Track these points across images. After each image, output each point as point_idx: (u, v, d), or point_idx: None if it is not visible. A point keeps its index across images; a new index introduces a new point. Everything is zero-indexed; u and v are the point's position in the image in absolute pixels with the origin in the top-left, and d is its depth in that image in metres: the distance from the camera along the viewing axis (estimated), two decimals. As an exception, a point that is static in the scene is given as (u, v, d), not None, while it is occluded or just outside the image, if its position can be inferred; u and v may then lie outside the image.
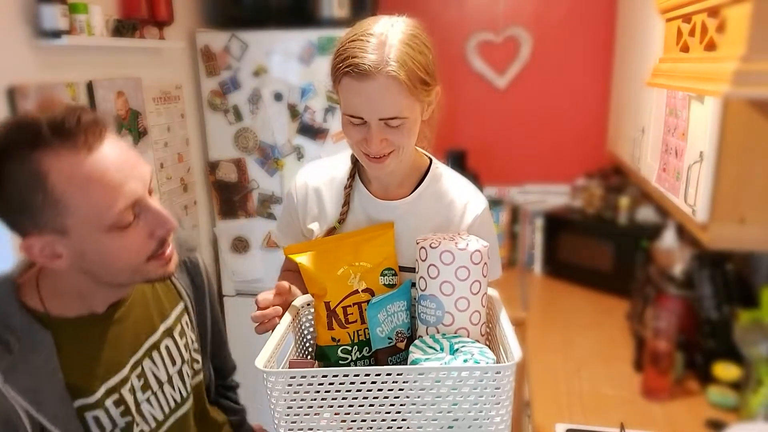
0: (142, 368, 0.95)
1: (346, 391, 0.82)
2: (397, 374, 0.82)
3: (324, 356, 1.01)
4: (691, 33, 1.14)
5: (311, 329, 1.10)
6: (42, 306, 0.84)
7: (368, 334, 0.98)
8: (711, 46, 1.04)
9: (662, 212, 2.05)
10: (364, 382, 0.82)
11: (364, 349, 1.00)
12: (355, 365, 1.00)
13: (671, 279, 1.71)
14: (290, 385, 0.83)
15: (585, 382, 1.69)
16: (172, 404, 1.00)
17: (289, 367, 0.95)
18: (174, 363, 1.01)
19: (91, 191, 0.75)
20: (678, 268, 1.72)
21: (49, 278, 0.85)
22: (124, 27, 2.07)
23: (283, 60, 2.43)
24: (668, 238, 1.84)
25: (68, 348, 0.84)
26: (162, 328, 1.00)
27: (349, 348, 1.00)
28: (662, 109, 1.64)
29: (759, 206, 1.26)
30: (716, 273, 1.60)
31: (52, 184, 0.73)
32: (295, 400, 0.83)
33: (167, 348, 1.00)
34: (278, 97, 2.48)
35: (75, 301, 0.87)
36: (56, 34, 1.75)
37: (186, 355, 1.04)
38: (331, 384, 0.82)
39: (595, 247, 2.34)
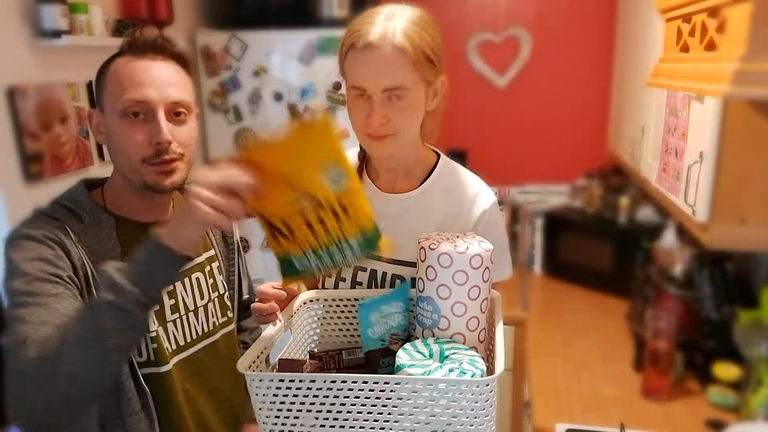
0: (174, 288, 1.07)
1: (324, 396, 0.82)
2: (374, 382, 0.80)
3: (284, 261, 0.92)
4: (691, 33, 1.14)
5: (314, 326, 1.11)
6: (104, 203, 1.04)
7: (323, 245, 0.91)
8: (711, 46, 1.03)
9: (662, 212, 2.05)
10: (341, 389, 0.81)
11: (323, 257, 0.91)
12: (319, 269, 0.92)
13: (671, 279, 1.71)
14: (269, 388, 0.83)
15: (585, 383, 1.69)
16: (194, 335, 1.10)
17: (278, 366, 0.95)
18: (202, 297, 1.12)
19: (119, 79, 0.98)
20: (678, 268, 1.72)
21: (109, 184, 1.07)
22: (124, 27, 2.07)
23: (283, 60, 2.43)
24: (668, 238, 1.84)
25: (120, 238, 1.00)
26: (194, 261, 1.11)
27: (304, 259, 0.91)
28: (662, 109, 1.64)
29: (759, 206, 1.26)
30: (716, 273, 1.60)
31: (109, 72, 1.00)
32: (274, 402, 0.84)
33: (197, 279, 1.11)
34: (278, 97, 2.48)
35: (125, 205, 1.04)
36: (56, 34, 1.76)
37: (213, 295, 1.14)
38: (308, 389, 0.82)
39: (595, 247, 2.34)
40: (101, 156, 2.04)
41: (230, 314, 1.17)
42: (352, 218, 0.90)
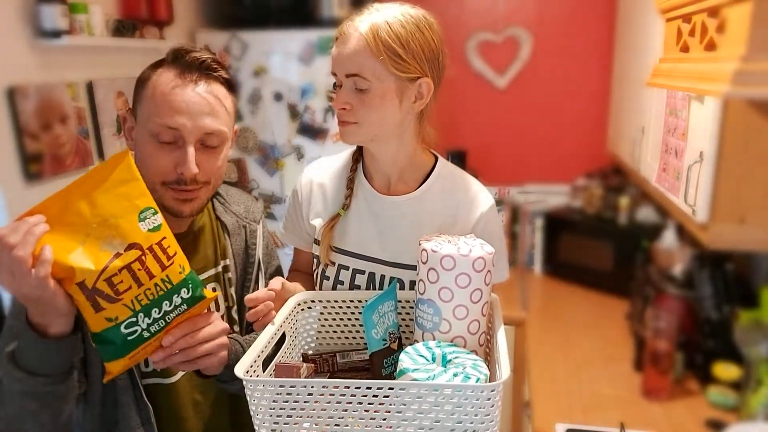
0: None
1: (326, 402, 0.81)
2: (378, 387, 0.79)
3: (106, 342, 0.83)
4: (691, 33, 1.14)
5: (307, 327, 1.10)
6: None
7: (150, 295, 0.84)
8: (711, 46, 1.04)
9: (662, 212, 2.05)
10: (343, 395, 0.80)
11: (153, 311, 0.85)
12: (149, 331, 0.85)
13: (671, 279, 1.71)
14: (268, 393, 0.82)
15: (585, 382, 1.69)
16: None
17: (275, 370, 0.93)
18: (218, 308, 1.09)
19: (155, 98, 0.95)
20: (678, 268, 1.72)
21: None
22: (124, 27, 2.07)
23: (283, 60, 2.43)
24: (668, 238, 1.84)
25: None
26: (212, 271, 1.09)
27: (134, 319, 0.83)
28: (662, 109, 1.64)
29: (759, 206, 1.26)
30: (716, 273, 1.60)
31: (149, 85, 0.97)
32: (274, 408, 0.82)
33: (213, 290, 1.08)
34: (278, 97, 2.48)
35: None
36: (56, 34, 1.76)
37: (222, 307, 1.10)
38: (309, 395, 0.80)
39: (595, 247, 2.34)
40: (101, 156, 2.04)
41: (236, 328, 1.12)
42: (175, 258, 0.87)
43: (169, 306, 0.87)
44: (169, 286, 0.86)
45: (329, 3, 2.44)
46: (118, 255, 0.81)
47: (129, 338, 0.83)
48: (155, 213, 0.87)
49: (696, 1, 1.08)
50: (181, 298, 0.88)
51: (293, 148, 2.52)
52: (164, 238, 0.86)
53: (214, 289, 1.10)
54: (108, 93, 2.06)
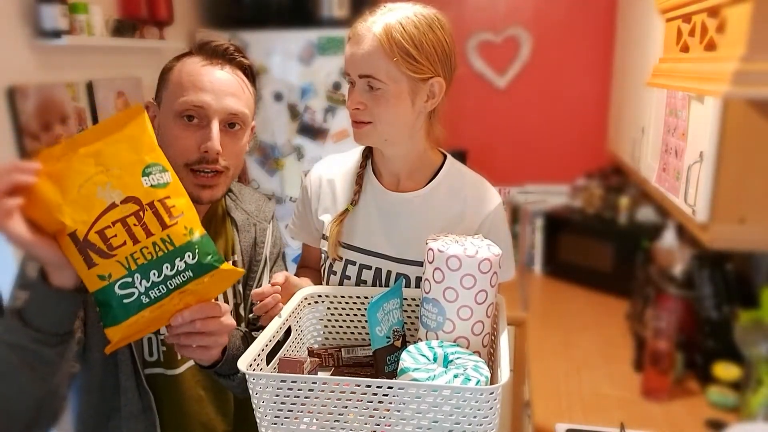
0: None
1: (326, 398, 0.81)
2: (377, 386, 0.79)
3: (103, 304, 0.78)
4: (691, 33, 1.14)
5: (314, 321, 1.10)
6: None
7: (148, 254, 0.79)
8: (711, 46, 1.04)
9: (662, 212, 2.05)
10: (344, 391, 0.80)
11: (152, 274, 0.78)
12: (148, 296, 0.79)
13: (671, 279, 1.71)
14: (270, 387, 0.83)
15: (585, 382, 1.69)
16: None
17: (279, 365, 0.94)
18: (227, 303, 1.07)
19: (181, 80, 0.97)
20: (678, 268, 1.72)
21: None
22: (124, 27, 2.07)
23: (283, 60, 2.43)
24: (668, 238, 1.84)
25: None
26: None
27: (130, 280, 0.78)
28: (662, 109, 1.64)
29: (759, 206, 1.26)
30: (716, 273, 1.60)
31: (175, 71, 0.99)
32: (275, 402, 0.83)
33: None
34: (278, 97, 2.48)
35: None
36: (56, 34, 1.76)
37: (231, 303, 1.09)
38: (310, 390, 0.81)
39: (595, 247, 2.34)
40: (101, 156, 2.04)
41: (242, 326, 1.11)
42: (180, 219, 0.81)
43: (171, 270, 0.79)
44: (170, 248, 0.79)
45: (329, 3, 2.44)
46: (113, 206, 0.77)
47: (125, 301, 0.77)
48: (164, 170, 0.81)
49: (696, 1, 1.08)
50: (185, 263, 0.80)
51: (293, 148, 2.52)
52: (168, 197, 0.80)
53: None
54: (108, 93, 2.06)
